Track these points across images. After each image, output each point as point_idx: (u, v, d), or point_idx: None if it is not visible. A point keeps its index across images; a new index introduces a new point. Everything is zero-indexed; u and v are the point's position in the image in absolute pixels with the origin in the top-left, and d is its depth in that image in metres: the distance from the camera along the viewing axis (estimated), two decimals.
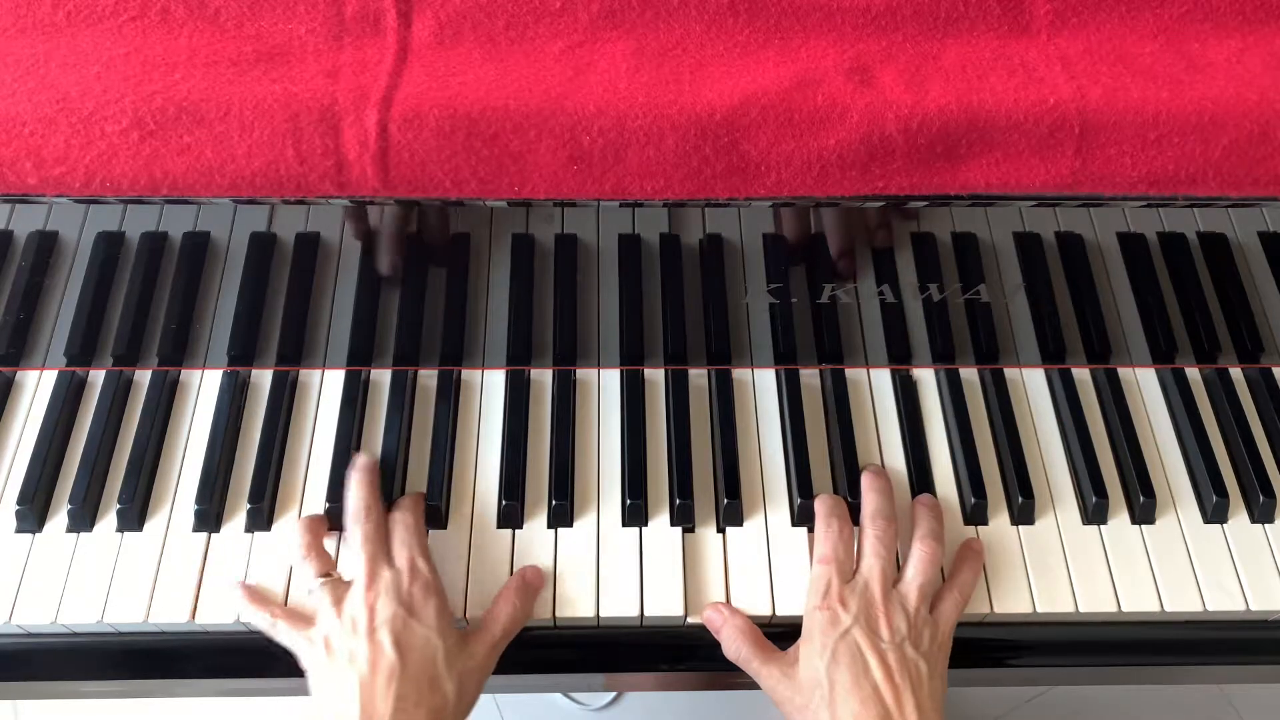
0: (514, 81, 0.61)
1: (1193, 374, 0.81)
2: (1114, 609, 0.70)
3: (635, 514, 0.72)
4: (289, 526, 0.72)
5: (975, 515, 0.73)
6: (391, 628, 0.61)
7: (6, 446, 0.75)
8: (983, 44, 0.64)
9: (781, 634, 0.67)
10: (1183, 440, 0.78)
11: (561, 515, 0.72)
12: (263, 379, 0.78)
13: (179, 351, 0.77)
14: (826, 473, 0.75)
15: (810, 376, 0.80)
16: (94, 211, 0.71)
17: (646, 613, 0.69)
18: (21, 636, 0.69)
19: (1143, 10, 0.65)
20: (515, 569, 0.70)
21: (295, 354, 0.78)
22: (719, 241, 0.73)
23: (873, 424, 0.78)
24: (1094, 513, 0.73)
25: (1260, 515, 0.74)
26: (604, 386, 0.79)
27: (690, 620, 0.69)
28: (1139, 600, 0.70)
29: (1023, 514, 0.73)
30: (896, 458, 0.76)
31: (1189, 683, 0.89)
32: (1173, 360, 0.80)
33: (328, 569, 0.66)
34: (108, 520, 0.72)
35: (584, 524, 0.72)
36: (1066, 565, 0.71)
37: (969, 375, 0.80)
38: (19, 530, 0.71)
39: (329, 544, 0.70)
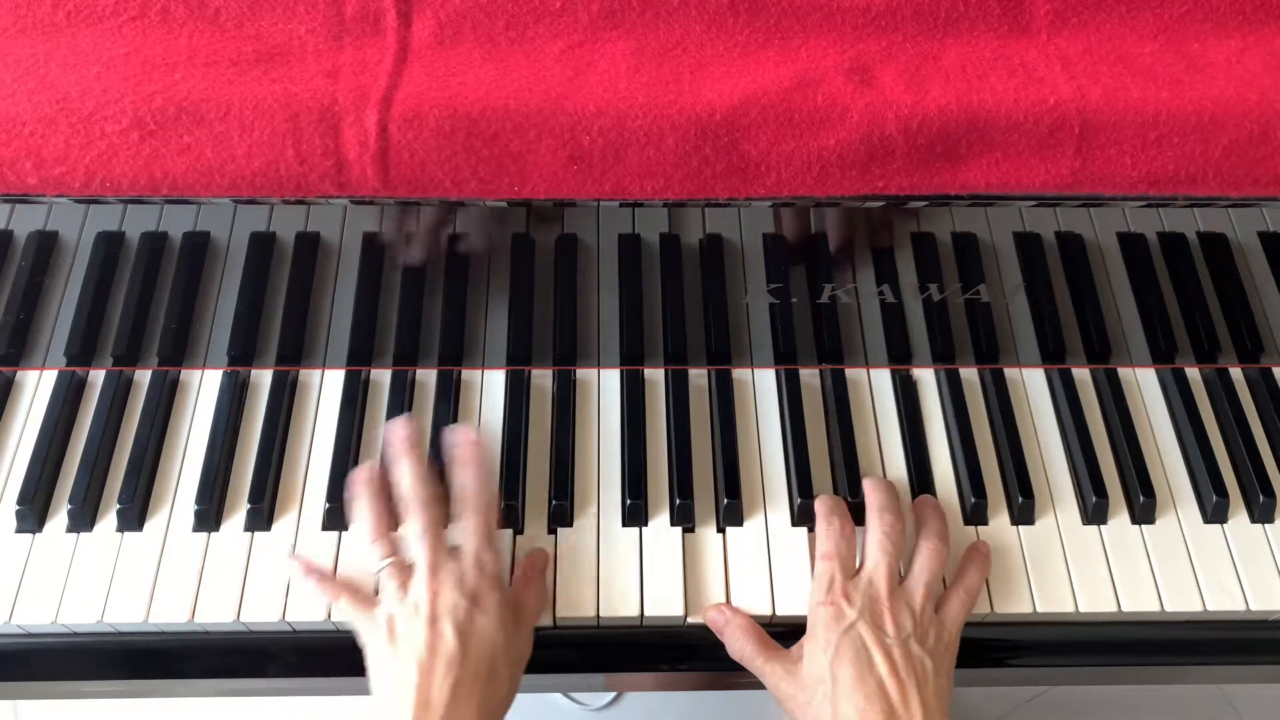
0: (514, 81, 0.61)
1: (1193, 374, 0.81)
2: (1114, 609, 0.70)
3: (635, 514, 0.72)
4: (288, 526, 0.72)
5: (975, 515, 0.73)
6: (454, 617, 0.61)
7: (6, 446, 0.75)
8: (983, 44, 0.64)
9: (782, 634, 0.67)
10: (1183, 440, 0.78)
11: (561, 515, 0.72)
12: (263, 379, 0.78)
13: (179, 351, 0.77)
14: (826, 473, 0.75)
15: (810, 376, 0.80)
16: (94, 211, 0.71)
17: (646, 613, 0.69)
18: (21, 636, 0.69)
19: (1143, 10, 0.65)
20: (515, 569, 0.70)
21: (295, 354, 0.78)
22: (719, 241, 0.73)
23: (873, 424, 0.78)
24: (1094, 513, 0.73)
25: (1260, 515, 0.74)
26: (604, 386, 0.79)
27: (690, 620, 0.69)
28: (1139, 600, 0.70)
29: (1023, 514, 0.73)
30: (896, 458, 0.76)
31: (1189, 683, 0.90)
32: (1173, 360, 0.81)
33: (394, 552, 0.66)
34: (108, 520, 0.72)
35: (584, 524, 0.72)
36: (1066, 565, 0.71)
37: (969, 375, 0.80)
38: (19, 530, 0.71)
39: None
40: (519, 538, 0.71)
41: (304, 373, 0.79)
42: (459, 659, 0.60)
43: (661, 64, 0.62)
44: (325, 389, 0.78)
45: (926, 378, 0.80)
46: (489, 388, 0.79)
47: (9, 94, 0.59)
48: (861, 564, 0.67)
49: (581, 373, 0.79)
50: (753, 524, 0.73)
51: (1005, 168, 0.61)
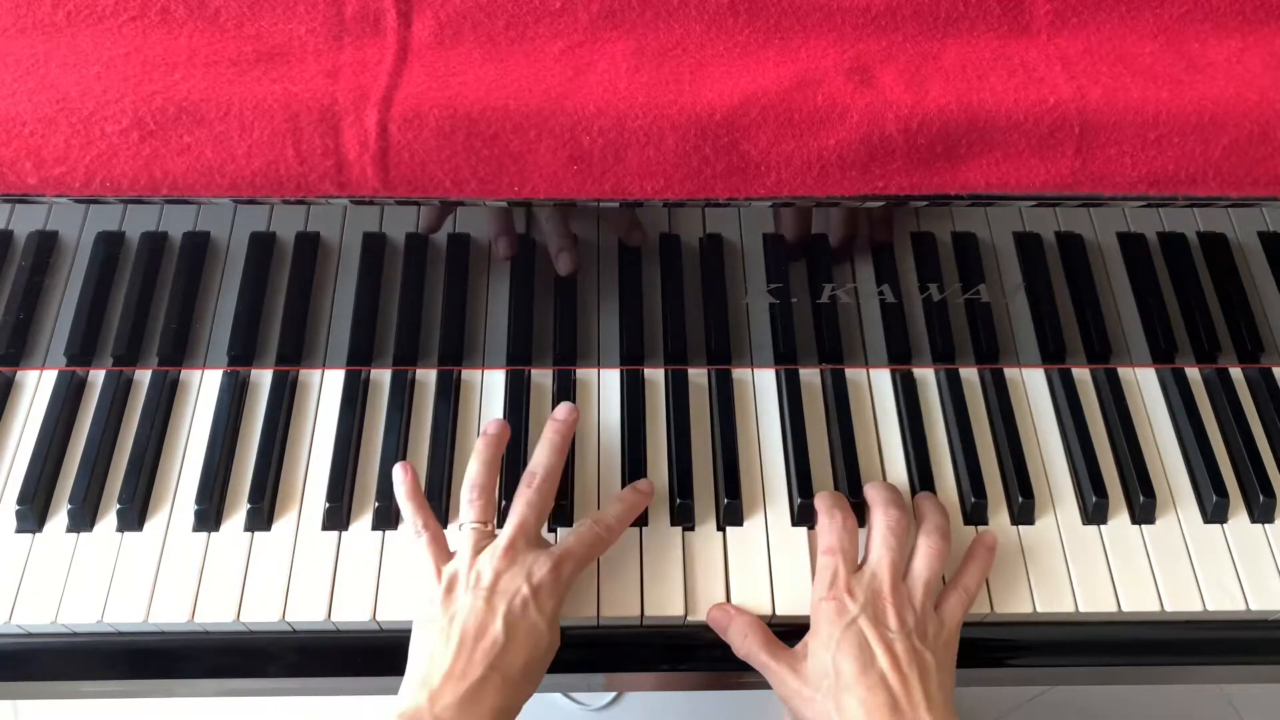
0: (514, 81, 0.61)
1: (1193, 374, 0.81)
2: (1114, 609, 0.70)
3: None
4: (288, 526, 0.72)
5: (975, 515, 0.73)
6: (509, 603, 0.61)
7: (6, 446, 0.75)
8: (983, 44, 0.64)
9: (782, 633, 0.67)
10: (1183, 440, 0.78)
11: (562, 516, 0.72)
12: (263, 379, 0.78)
13: (179, 351, 0.77)
14: (827, 472, 0.75)
15: (810, 376, 0.80)
16: (94, 211, 0.71)
17: (646, 612, 0.69)
18: (21, 636, 0.69)
19: (1143, 10, 0.65)
20: None
21: (295, 354, 0.78)
22: (719, 241, 0.73)
23: (873, 424, 0.78)
24: (1094, 512, 0.73)
25: (1260, 515, 0.74)
26: (604, 386, 0.79)
27: (690, 620, 0.69)
28: (1139, 600, 0.70)
29: (1023, 514, 0.73)
30: (896, 458, 0.77)
31: (1189, 683, 0.90)
32: (1173, 360, 0.81)
33: (486, 518, 0.66)
34: (108, 520, 0.72)
35: None
36: (1066, 565, 0.71)
37: (969, 375, 0.80)
38: (19, 530, 0.71)
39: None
40: None
41: (304, 373, 0.79)
42: (501, 644, 0.60)
43: (661, 64, 0.62)
44: (325, 389, 0.78)
45: (926, 378, 0.80)
46: (489, 388, 0.79)
47: (9, 94, 0.58)
48: (865, 559, 0.67)
49: (581, 373, 0.79)
50: (753, 524, 0.73)
51: (1005, 168, 0.61)
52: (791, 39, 0.64)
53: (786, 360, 0.79)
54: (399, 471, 0.69)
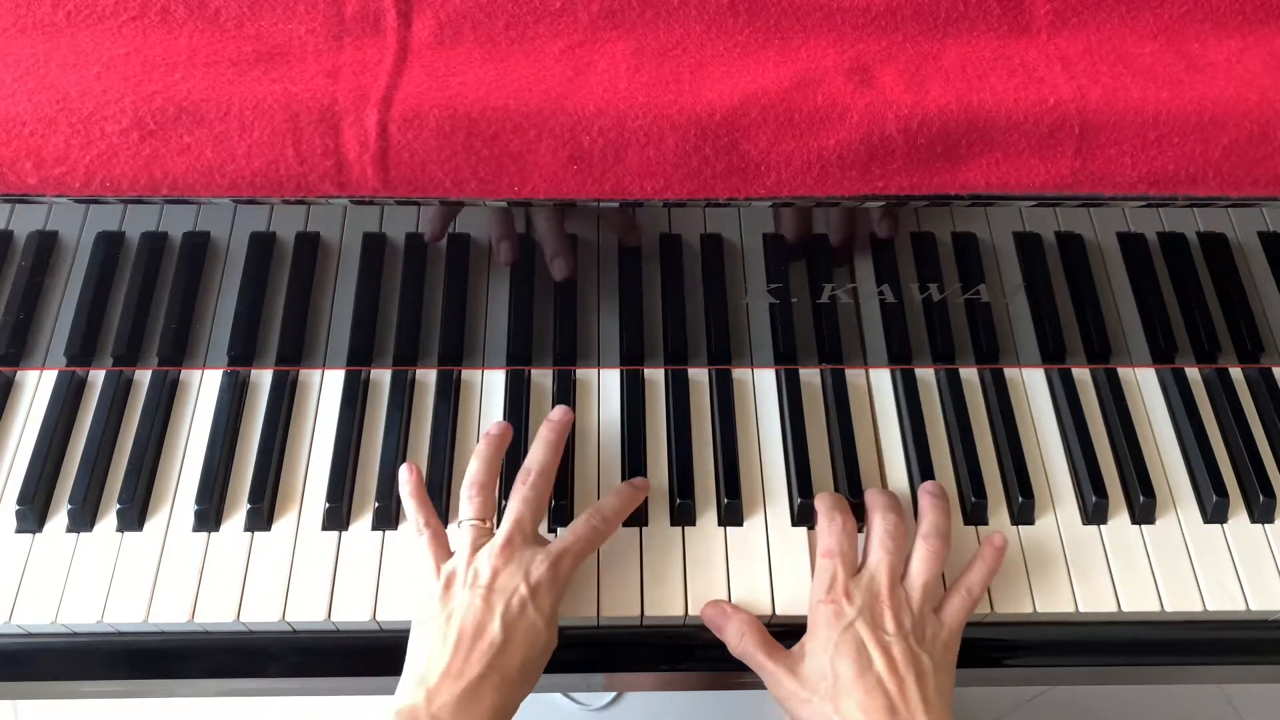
0: (514, 81, 0.61)
1: (1193, 374, 0.81)
2: (1114, 609, 0.70)
3: (635, 513, 0.72)
4: (288, 526, 0.72)
5: (975, 515, 0.73)
6: (507, 602, 0.61)
7: (6, 446, 0.75)
8: (983, 44, 0.64)
9: (781, 633, 0.67)
10: (1183, 440, 0.78)
11: (562, 516, 0.72)
12: (263, 379, 0.78)
13: (179, 351, 0.77)
14: (827, 473, 0.75)
15: (810, 376, 0.80)
16: (94, 211, 0.71)
17: (646, 612, 0.69)
18: (21, 636, 0.69)
19: (1143, 10, 0.65)
20: None
21: (295, 354, 0.78)
22: (719, 241, 0.73)
23: (872, 424, 0.78)
24: (1094, 513, 0.73)
25: (1260, 515, 0.74)
26: (604, 386, 0.79)
27: (690, 620, 0.69)
28: (1139, 600, 0.70)
29: (1023, 514, 0.73)
30: (896, 458, 0.76)
31: (1189, 683, 0.90)
32: (1173, 360, 0.81)
33: (485, 516, 0.66)
34: (108, 520, 0.72)
35: None
36: (1066, 565, 0.71)
37: (969, 375, 0.80)
38: (19, 530, 0.71)
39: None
40: None
41: (304, 373, 0.79)
42: (499, 643, 0.60)
43: (661, 64, 0.62)
44: (325, 389, 0.78)
45: (926, 378, 0.80)
46: (489, 388, 0.79)
47: (9, 94, 0.58)
48: (863, 562, 0.67)
49: (581, 373, 0.79)
50: (753, 524, 0.73)
51: (1005, 168, 0.61)
52: (791, 39, 0.64)
53: (786, 360, 0.79)
54: (404, 471, 0.69)
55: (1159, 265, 0.76)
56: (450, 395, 0.77)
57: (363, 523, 0.72)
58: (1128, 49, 0.64)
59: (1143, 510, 0.74)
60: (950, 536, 0.69)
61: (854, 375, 0.80)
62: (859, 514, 0.71)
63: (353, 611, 0.68)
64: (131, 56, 0.61)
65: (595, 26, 0.64)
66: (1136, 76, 0.62)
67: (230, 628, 0.68)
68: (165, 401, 0.77)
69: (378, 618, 0.68)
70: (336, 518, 0.72)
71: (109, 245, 0.73)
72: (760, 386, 0.79)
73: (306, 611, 0.68)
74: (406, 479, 0.69)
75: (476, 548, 0.64)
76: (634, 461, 0.75)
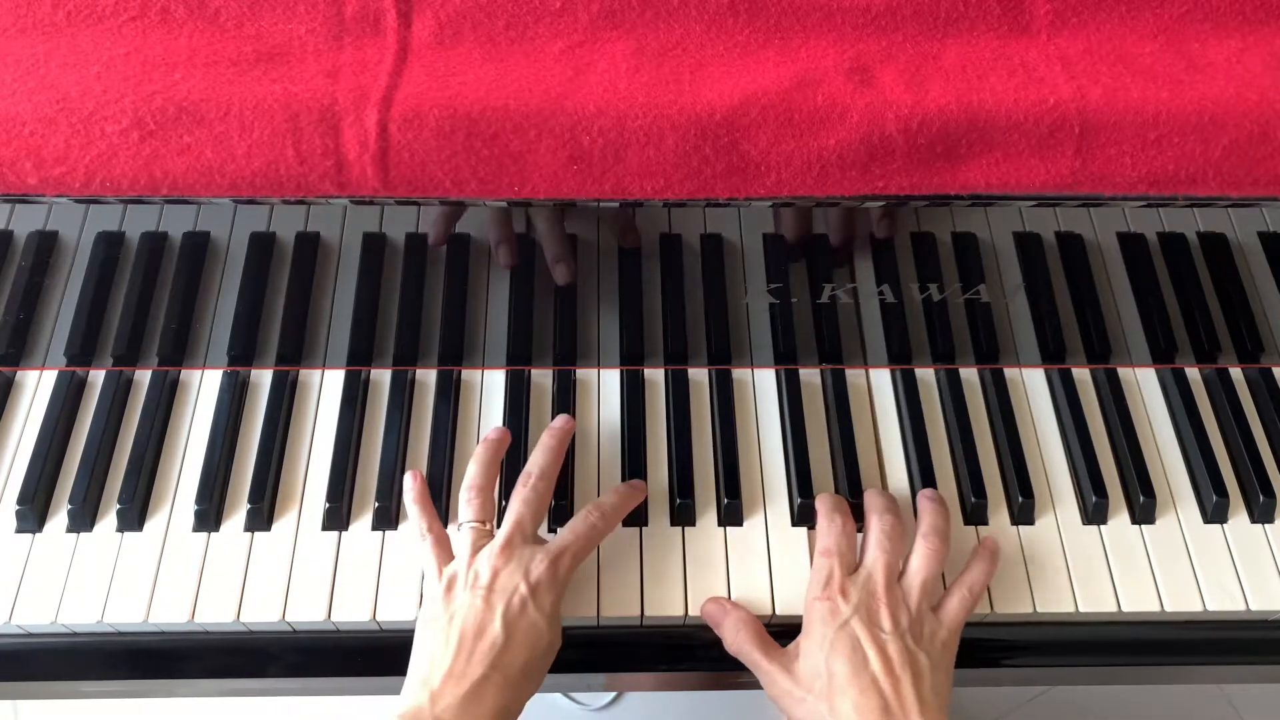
0: (514, 81, 0.61)
1: (1193, 374, 0.81)
2: (1114, 609, 0.70)
3: (635, 514, 0.72)
4: (288, 526, 0.72)
5: (975, 515, 0.73)
6: (507, 601, 0.62)
7: (6, 446, 0.75)
8: (983, 44, 0.64)
9: (781, 633, 0.67)
10: (1183, 440, 0.78)
11: (562, 516, 0.72)
12: (263, 379, 0.78)
13: (179, 351, 0.77)
14: (827, 473, 0.75)
15: (810, 376, 0.80)
16: (94, 211, 0.71)
17: (646, 612, 0.69)
18: (21, 636, 0.69)
19: (1143, 10, 0.65)
20: None
21: (295, 354, 0.78)
22: (719, 241, 0.73)
23: (872, 424, 0.78)
24: (1094, 513, 0.73)
25: (1260, 515, 0.74)
26: (604, 386, 0.79)
27: (690, 620, 0.69)
28: (1139, 600, 0.70)
29: (1023, 514, 0.73)
30: (896, 458, 0.76)
31: (1189, 683, 0.90)
32: (1173, 360, 0.81)
33: (484, 518, 0.67)
34: (108, 520, 0.72)
35: None
36: (1066, 565, 0.71)
37: (969, 375, 0.80)
38: (19, 530, 0.71)
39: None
40: None
41: (304, 373, 0.79)
42: (500, 643, 0.60)
43: (661, 64, 0.62)
44: (325, 389, 0.78)
45: (926, 378, 0.80)
46: (489, 388, 0.79)
47: (9, 94, 0.58)
48: (860, 561, 0.67)
49: (581, 372, 0.79)
50: (753, 524, 0.73)
51: (1005, 168, 0.61)
52: (791, 39, 0.64)
53: (786, 360, 0.79)
54: (408, 478, 0.70)
55: (1159, 265, 0.76)
56: (450, 395, 0.77)
57: (363, 523, 0.72)
58: (1128, 49, 0.64)
59: (1143, 510, 0.74)
60: (949, 537, 0.69)
61: (854, 375, 0.80)
62: (859, 514, 0.71)
63: (353, 611, 0.68)
64: (131, 56, 0.61)
65: (595, 26, 0.64)
66: (1136, 76, 0.62)
67: (230, 628, 0.68)
68: (165, 401, 0.77)
69: (378, 618, 0.68)
70: (336, 518, 0.72)
71: (109, 245, 0.73)
72: (760, 386, 0.79)
73: (306, 611, 0.68)
74: (410, 486, 0.70)
75: (476, 549, 0.64)
76: (634, 462, 0.75)
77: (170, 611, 0.68)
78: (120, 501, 0.71)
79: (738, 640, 0.66)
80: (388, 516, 0.72)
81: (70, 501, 0.71)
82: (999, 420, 0.78)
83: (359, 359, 0.78)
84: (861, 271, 0.74)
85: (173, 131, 0.58)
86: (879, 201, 0.66)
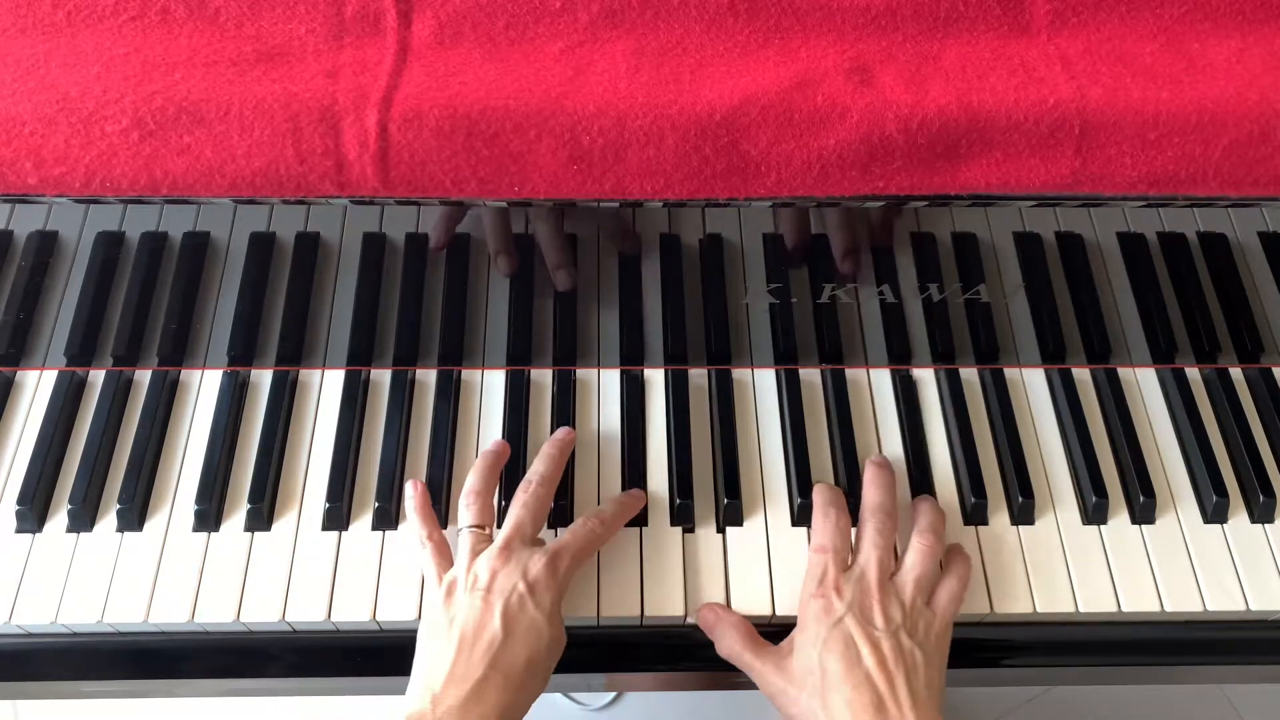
0: (514, 81, 0.61)
1: (1193, 374, 0.81)
2: (1114, 609, 0.70)
3: (636, 514, 0.72)
4: (288, 526, 0.72)
5: (975, 515, 0.73)
6: (505, 600, 0.62)
7: (6, 446, 0.75)
8: (983, 44, 0.64)
9: (781, 633, 0.67)
10: (1183, 440, 0.78)
11: (562, 517, 0.72)
12: (263, 379, 0.78)
13: (179, 351, 0.77)
14: (827, 473, 0.75)
15: (810, 376, 0.80)
16: (94, 211, 0.71)
17: (646, 613, 0.69)
18: (21, 636, 0.69)
19: (1143, 10, 0.65)
20: None
21: (295, 354, 0.78)
22: (719, 241, 0.73)
23: (873, 424, 0.78)
24: (1094, 513, 0.73)
25: (1260, 515, 0.74)
26: (604, 386, 0.79)
27: (690, 620, 0.69)
28: (1139, 600, 0.70)
29: (1023, 514, 0.73)
30: (897, 457, 0.76)
31: (1189, 683, 0.89)
32: (1173, 360, 0.80)
33: (483, 522, 0.67)
34: (108, 520, 0.72)
35: None
36: (1066, 565, 0.71)
37: (969, 375, 0.80)
38: (19, 530, 0.71)
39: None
40: None
41: (304, 373, 0.79)
42: (499, 642, 0.60)
43: (661, 64, 0.62)
44: (325, 389, 0.78)
45: (926, 378, 0.80)
46: (489, 388, 0.79)
47: (9, 94, 0.58)
48: (854, 558, 0.67)
49: (581, 373, 0.79)
50: (753, 524, 0.73)
51: (1005, 168, 0.61)
52: (791, 39, 0.64)
53: (786, 360, 0.79)
54: (409, 487, 0.71)
55: (1159, 265, 0.76)
56: (450, 395, 0.77)
57: (363, 523, 0.72)
58: (1128, 49, 0.64)
59: (1143, 510, 0.74)
60: (944, 534, 0.70)
61: (854, 375, 0.80)
62: (857, 512, 0.71)
63: (353, 611, 0.68)
64: (131, 56, 0.61)
65: (595, 26, 0.64)
66: (1136, 76, 0.62)
67: (230, 628, 0.68)
68: (165, 401, 0.77)
69: (378, 618, 0.68)
70: (336, 518, 0.72)
71: (109, 245, 0.73)
72: (760, 386, 0.79)
73: (306, 611, 0.68)
74: (411, 494, 0.70)
75: (476, 553, 0.65)
76: (634, 462, 0.75)
77: (170, 611, 0.68)
78: (120, 501, 0.71)
79: (730, 644, 0.66)
80: (388, 516, 0.72)
81: (70, 501, 0.71)
82: (999, 420, 0.78)
83: (359, 359, 0.78)
84: (861, 271, 0.74)
85: (173, 131, 0.58)
86: (879, 201, 0.66)
